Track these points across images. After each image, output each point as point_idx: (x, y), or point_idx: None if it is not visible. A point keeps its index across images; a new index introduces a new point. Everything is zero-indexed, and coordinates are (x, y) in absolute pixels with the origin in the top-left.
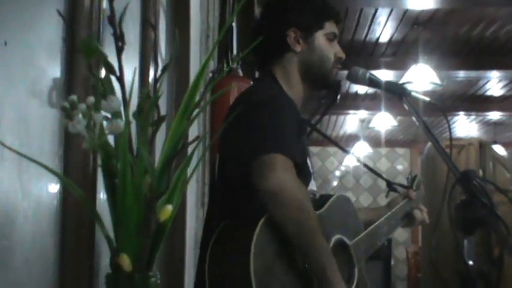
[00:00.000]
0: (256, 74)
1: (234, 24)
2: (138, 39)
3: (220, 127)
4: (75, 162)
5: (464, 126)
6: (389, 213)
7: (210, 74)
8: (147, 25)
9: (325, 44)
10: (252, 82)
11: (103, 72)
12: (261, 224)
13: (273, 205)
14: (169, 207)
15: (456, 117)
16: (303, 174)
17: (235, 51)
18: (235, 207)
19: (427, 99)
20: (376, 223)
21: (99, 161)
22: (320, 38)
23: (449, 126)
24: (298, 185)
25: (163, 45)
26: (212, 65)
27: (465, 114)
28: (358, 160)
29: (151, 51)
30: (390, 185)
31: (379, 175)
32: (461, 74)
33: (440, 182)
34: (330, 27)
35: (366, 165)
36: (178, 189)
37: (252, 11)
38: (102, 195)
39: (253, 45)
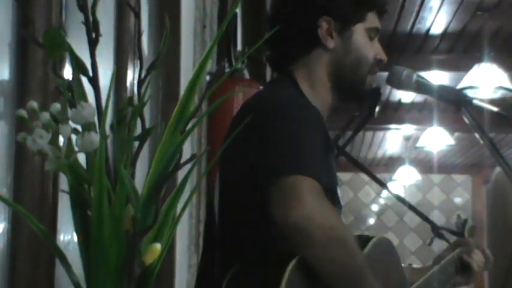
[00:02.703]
0: (269, 76)
1: (238, 10)
2: (112, 30)
3: (221, 144)
4: (29, 191)
5: None
6: (437, 266)
7: (208, 76)
8: (126, 10)
9: (365, 42)
10: (262, 86)
11: (67, 73)
12: (290, 269)
13: (302, 243)
14: (158, 247)
15: None
16: (334, 205)
17: (239, 46)
18: (247, 248)
19: (495, 109)
20: (421, 279)
21: (63, 187)
22: (360, 33)
23: None
24: (333, 213)
25: (145, 38)
26: (210, 64)
27: None
28: (397, 197)
29: (131, 45)
30: (436, 230)
31: (422, 216)
32: None
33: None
34: (373, 20)
35: (397, 197)
36: (168, 223)
37: None
38: (62, 236)
39: (268, 37)
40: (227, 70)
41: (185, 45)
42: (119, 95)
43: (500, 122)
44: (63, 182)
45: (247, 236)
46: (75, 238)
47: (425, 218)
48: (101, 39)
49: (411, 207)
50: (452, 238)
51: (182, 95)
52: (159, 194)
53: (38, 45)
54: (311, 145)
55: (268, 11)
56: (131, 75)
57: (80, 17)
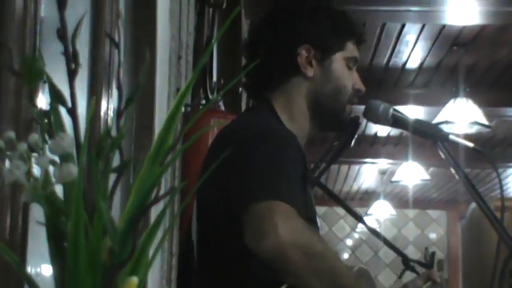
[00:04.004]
0: (244, 107)
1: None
2: (86, 59)
3: (196, 176)
4: None
5: None
6: None
7: (183, 108)
8: (101, 39)
9: (343, 71)
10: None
11: (40, 102)
12: None
13: (283, 269)
14: (134, 280)
15: (510, 170)
16: None
17: (215, 77)
18: (227, 280)
19: (471, 145)
20: None
21: (33, 218)
22: (339, 62)
23: (500, 181)
24: (307, 230)
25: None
26: None
27: None
28: (370, 229)
29: (106, 75)
30: (407, 263)
31: (394, 248)
32: None
33: (487, 257)
34: (352, 49)
35: (373, 231)
36: (145, 256)
37: (239, 25)
38: (30, 268)
39: (251, 67)
40: (202, 101)
41: (160, 75)
42: (93, 125)
43: (476, 157)
44: (33, 213)
45: (227, 267)
46: (44, 271)
47: (397, 250)
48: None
49: (385, 240)
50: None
51: (162, 128)
52: (137, 226)
53: (14, 73)
54: (286, 172)
55: (245, 37)
56: (105, 105)
57: (54, 45)
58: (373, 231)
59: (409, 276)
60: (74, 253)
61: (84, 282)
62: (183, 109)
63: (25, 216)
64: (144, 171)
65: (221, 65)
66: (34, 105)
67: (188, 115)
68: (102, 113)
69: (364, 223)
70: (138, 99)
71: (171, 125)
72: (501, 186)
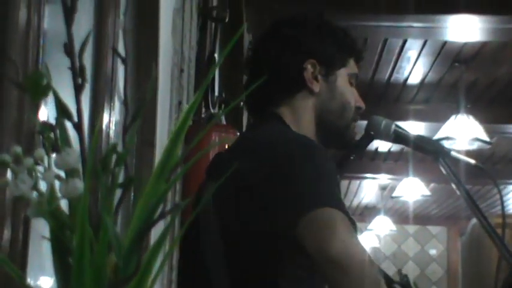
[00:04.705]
0: (245, 121)
1: (216, 55)
2: (88, 74)
3: (195, 189)
4: None
5: None
6: None
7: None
8: (103, 53)
9: (347, 87)
10: (238, 132)
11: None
12: None
13: (339, 277)
14: None
15: (510, 187)
16: None
17: (216, 91)
18: None
19: (472, 161)
20: None
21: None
22: (343, 78)
23: (501, 197)
24: (366, 251)
25: (121, 82)
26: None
27: None
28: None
29: (108, 89)
30: (390, 284)
31: (379, 270)
32: None
33: (488, 274)
34: (353, 66)
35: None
36: (150, 272)
37: (241, 39)
38: (30, 280)
39: (250, 80)
40: (214, 116)
41: (162, 89)
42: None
43: (476, 174)
44: (34, 226)
45: (264, 277)
46: (43, 283)
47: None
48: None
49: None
50: None
51: (167, 143)
52: (142, 242)
53: (19, 87)
54: (333, 181)
55: (248, 52)
56: (107, 119)
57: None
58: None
59: None
60: (78, 268)
61: None
62: None
63: (25, 229)
64: (149, 187)
65: (223, 79)
66: (38, 119)
67: (190, 130)
68: (104, 127)
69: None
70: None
71: (177, 140)
72: (502, 203)
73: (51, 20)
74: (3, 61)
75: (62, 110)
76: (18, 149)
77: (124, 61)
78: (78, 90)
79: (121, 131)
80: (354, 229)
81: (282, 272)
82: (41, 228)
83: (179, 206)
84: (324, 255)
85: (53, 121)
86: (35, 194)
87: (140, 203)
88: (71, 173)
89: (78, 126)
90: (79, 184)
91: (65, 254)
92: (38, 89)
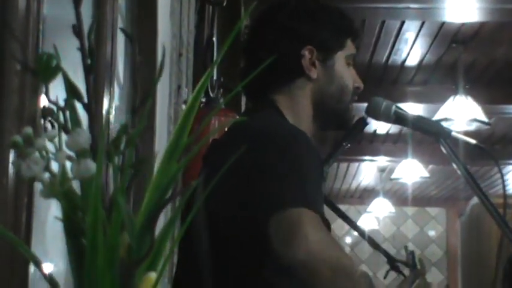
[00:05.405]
0: (244, 106)
1: (214, 39)
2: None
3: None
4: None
5: None
6: None
7: (183, 106)
8: (103, 35)
9: (345, 70)
10: (237, 116)
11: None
12: None
13: (309, 279)
14: (153, 275)
15: (509, 167)
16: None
17: (215, 75)
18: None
19: (473, 141)
20: None
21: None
22: (340, 61)
23: (502, 177)
24: (336, 245)
25: (121, 66)
26: (185, 92)
27: None
28: (360, 232)
29: (108, 73)
30: (392, 263)
31: (381, 249)
32: None
33: (488, 254)
34: (350, 46)
35: (357, 230)
36: (162, 252)
37: (238, 22)
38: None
39: (246, 66)
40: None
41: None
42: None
43: (475, 154)
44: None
45: (243, 275)
46: (47, 268)
47: (381, 250)
48: (76, 67)
49: (369, 240)
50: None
51: (178, 124)
52: (154, 222)
53: (30, 70)
54: (310, 176)
55: (244, 39)
56: (106, 104)
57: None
58: (361, 234)
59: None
60: (92, 249)
61: (103, 278)
62: (183, 107)
63: (29, 214)
64: (161, 168)
65: (221, 63)
66: (52, 101)
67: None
68: (104, 112)
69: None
70: (137, 96)
71: (187, 121)
72: (503, 182)
73: (51, 6)
74: (4, 46)
75: (71, 91)
76: (28, 130)
77: (132, 41)
78: (87, 71)
79: (121, 116)
80: (328, 228)
81: (266, 262)
82: (43, 213)
83: (190, 186)
84: (289, 259)
85: (61, 103)
86: (47, 175)
87: (152, 183)
88: (82, 153)
89: (88, 108)
90: (91, 164)
91: (77, 235)
92: (48, 70)
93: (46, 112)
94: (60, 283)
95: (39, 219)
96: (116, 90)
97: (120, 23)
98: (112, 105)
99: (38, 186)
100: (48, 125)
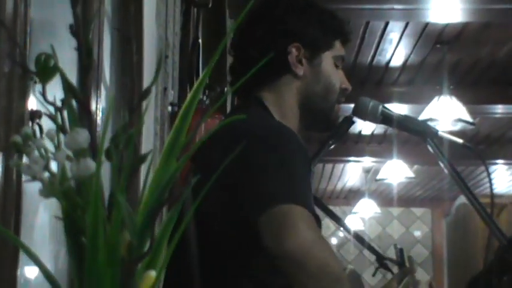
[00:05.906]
0: (229, 106)
1: (200, 40)
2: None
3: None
4: None
5: (504, 178)
6: None
7: (169, 107)
8: (92, 36)
9: (332, 70)
10: (223, 117)
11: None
12: None
13: (295, 274)
14: (152, 274)
15: (493, 167)
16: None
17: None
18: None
19: (460, 141)
20: None
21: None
22: (328, 60)
23: (489, 176)
24: (327, 245)
25: (107, 69)
26: (171, 94)
27: (505, 163)
28: (346, 231)
29: (95, 75)
30: (381, 261)
31: (370, 248)
32: (500, 109)
33: (473, 254)
34: (339, 48)
35: (344, 228)
36: (162, 249)
37: (223, 25)
38: (23, 267)
39: (234, 63)
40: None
41: (147, 75)
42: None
43: (460, 154)
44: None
45: (232, 270)
46: (36, 271)
47: (370, 248)
48: (64, 67)
49: (356, 237)
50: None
51: (176, 122)
52: (154, 220)
53: (27, 71)
54: (299, 173)
55: (233, 36)
56: (94, 106)
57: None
58: (347, 231)
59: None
60: (92, 247)
61: (103, 276)
62: (170, 109)
63: (17, 219)
64: (160, 166)
65: (207, 65)
66: (49, 101)
67: (177, 114)
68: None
69: (339, 223)
70: (124, 97)
71: (185, 119)
72: (490, 181)
73: (38, 8)
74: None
75: (70, 90)
76: (27, 129)
77: (129, 40)
78: (85, 70)
79: (107, 118)
80: (318, 225)
81: (258, 261)
82: (31, 217)
83: (190, 184)
84: (280, 252)
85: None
86: (46, 174)
87: (152, 181)
88: (80, 153)
89: (84, 107)
90: (91, 163)
91: (78, 234)
92: (46, 70)
93: (34, 115)
94: (49, 286)
95: (27, 223)
96: (103, 93)
97: (106, 25)
98: (99, 106)
99: (26, 189)
100: (36, 128)
